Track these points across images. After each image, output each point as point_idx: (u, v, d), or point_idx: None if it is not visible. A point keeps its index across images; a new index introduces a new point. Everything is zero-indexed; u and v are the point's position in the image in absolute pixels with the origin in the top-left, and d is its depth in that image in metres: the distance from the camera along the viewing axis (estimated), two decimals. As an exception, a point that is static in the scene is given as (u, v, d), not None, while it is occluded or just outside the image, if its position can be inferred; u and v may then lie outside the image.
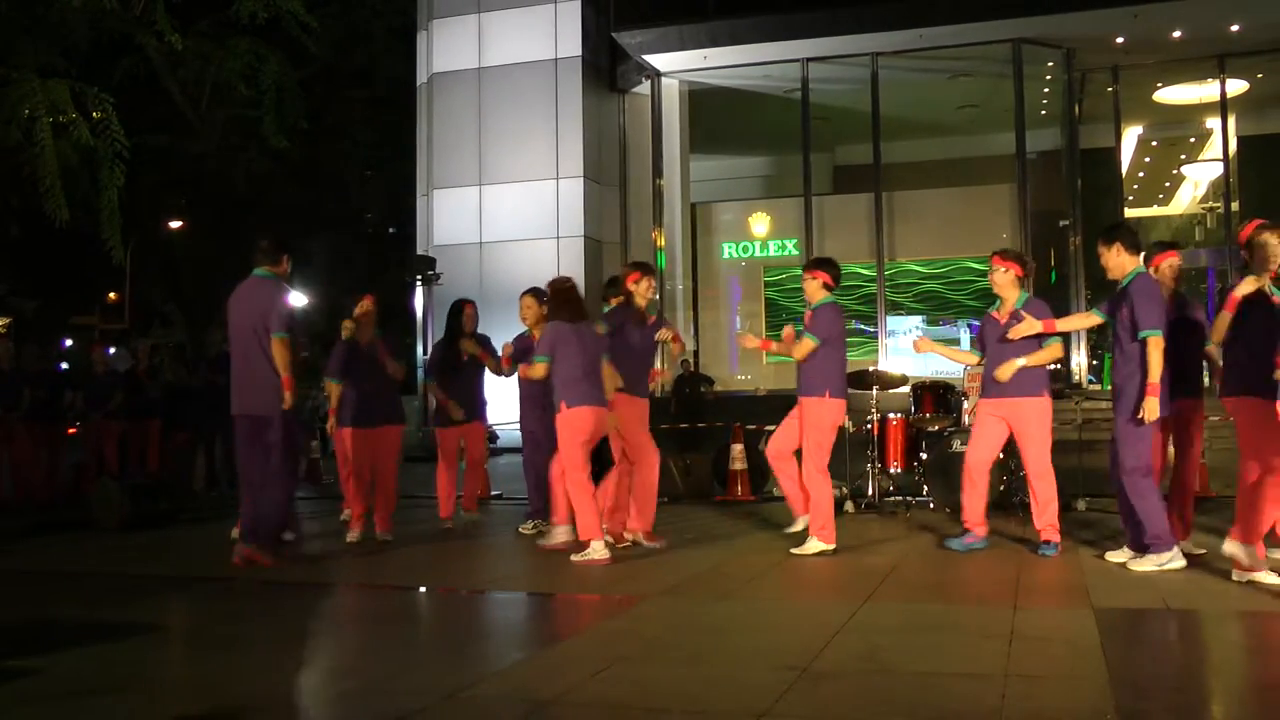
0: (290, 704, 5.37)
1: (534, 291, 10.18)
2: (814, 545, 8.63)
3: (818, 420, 8.77)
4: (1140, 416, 7.53)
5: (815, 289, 9.04)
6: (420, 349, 21.56)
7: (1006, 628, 6.17)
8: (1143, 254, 8.13)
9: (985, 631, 6.17)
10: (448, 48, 22.89)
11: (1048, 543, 8.36)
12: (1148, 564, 7.62)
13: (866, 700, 4.97)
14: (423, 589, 8.12)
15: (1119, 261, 7.94)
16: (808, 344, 8.79)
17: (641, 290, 9.21)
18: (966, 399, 11.47)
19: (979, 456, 8.60)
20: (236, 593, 8.26)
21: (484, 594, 7.99)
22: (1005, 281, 8.60)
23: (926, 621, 6.58)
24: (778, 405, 9.55)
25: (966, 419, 11.26)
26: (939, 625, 6.49)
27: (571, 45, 22.01)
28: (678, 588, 7.56)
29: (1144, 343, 7.56)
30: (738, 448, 12.50)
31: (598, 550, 8.47)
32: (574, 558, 8.58)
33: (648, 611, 6.99)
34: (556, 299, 8.97)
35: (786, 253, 24.50)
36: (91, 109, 19.22)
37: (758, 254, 24.55)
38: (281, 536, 9.51)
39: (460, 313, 10.76)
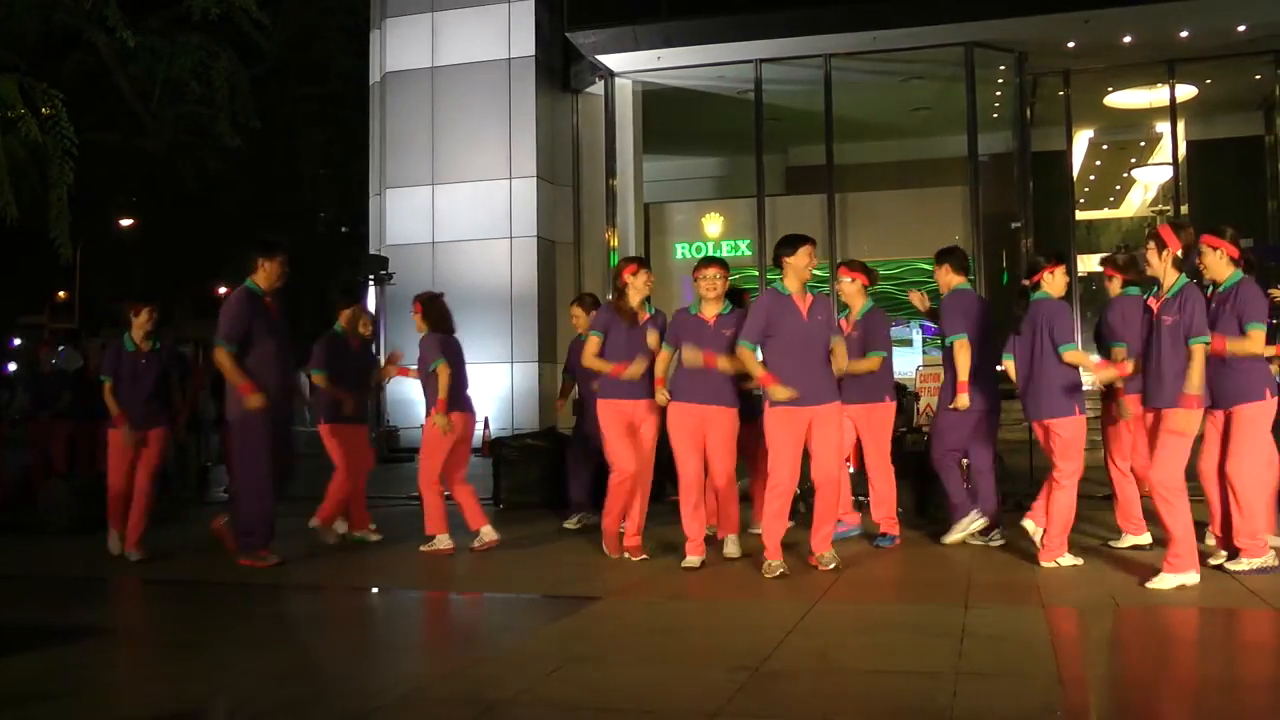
0: (244, 706, 5.33)
1: (580, 301, 10.91)
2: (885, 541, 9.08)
3: (884, 423, 9.19)
4: (953, 407, 8.65)
5: (855, 291, 9.02)
6: (371, 348, 21.43)
7: (958, 626, 6.22)
8: (969, 273, 9.23)
9: (937, 630, 6.22)
10: (401, 47, 22.78)
11: (885, 535, 9.11)
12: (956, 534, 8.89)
13: (819, 699, 5.00)
14: (376, 590, 8.09)
15: (946, 280, 9.05)
16: (876, 360, 9.07)
17: (639, 284, 8.81)
18: (919, 399, 11.53)
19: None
20: (187, 595, 8.22)
21: (438, 595, 7.98)
22: (853, 291, 9.42)
23: (879, 621, 6.62)
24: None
25: (919, 419, 11.39)
26: (891, 624, 6.53)
27: (525, 45, 21.93)
28: (631, 588, 7.58)
29: (952, 346, 8.69)
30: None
31: (443, 542, 9.34)
32: (422, 548, 9.38)
33: (601, 612, 7.01)
34: (432, 310, 9.61)
35: (739, 253, 24.48)
36: (40, 105, 19.09)
37: (711, 254, 24.42)
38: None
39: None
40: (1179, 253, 7.28)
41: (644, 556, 8.61)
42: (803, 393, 7.71)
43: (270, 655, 6.44)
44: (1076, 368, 7.97)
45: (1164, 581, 7.11)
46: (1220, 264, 7.63)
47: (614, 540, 8.77)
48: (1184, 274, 7.28)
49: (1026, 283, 8.39)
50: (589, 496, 10.62)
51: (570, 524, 10.64)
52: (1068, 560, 7.94)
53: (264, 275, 8.98)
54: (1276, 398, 7.48)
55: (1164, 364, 7.20)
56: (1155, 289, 7.41)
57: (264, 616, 7.56)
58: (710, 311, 8.41)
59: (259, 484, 8.83)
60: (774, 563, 7.83)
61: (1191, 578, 7.11)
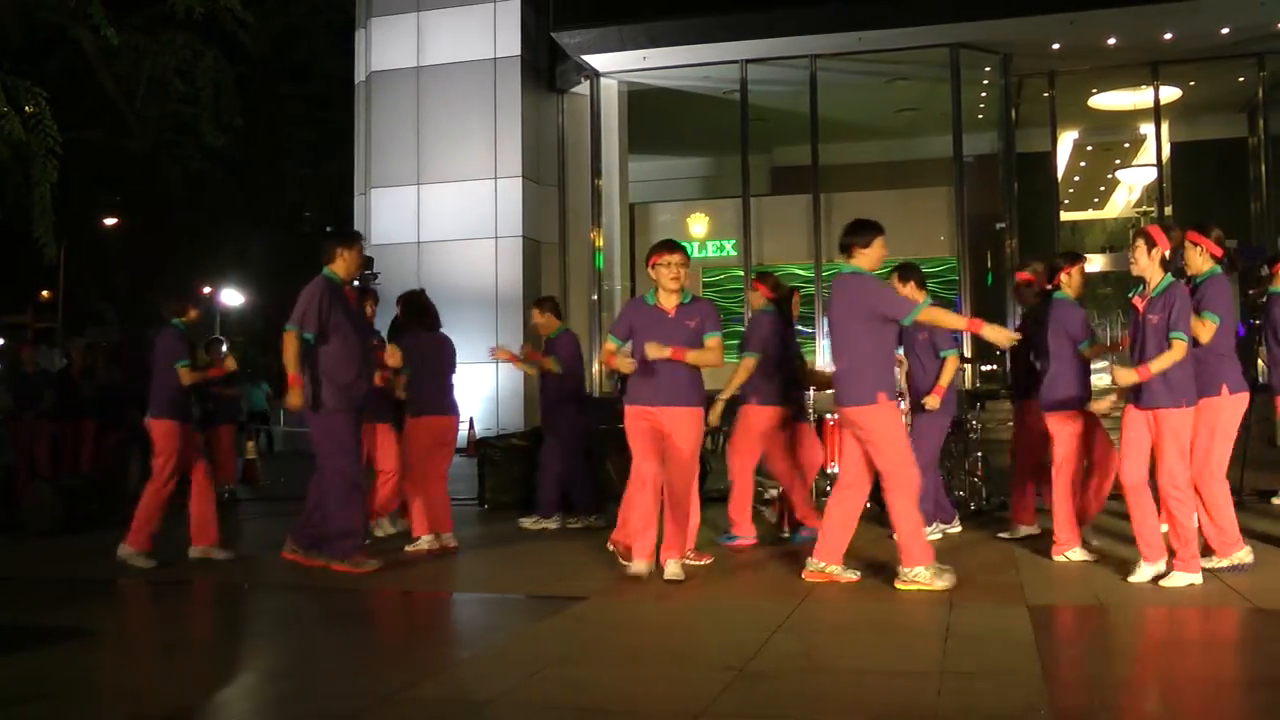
0: (227, 708, 5.33)
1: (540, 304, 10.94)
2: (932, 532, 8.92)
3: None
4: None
5: (912, 292, 9.06)
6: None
7: (942, 626, 6.23)
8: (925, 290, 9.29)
9: (921, 629, 6.23)
10: (386, 46, 22.76)
11: (802, 528, 9.22)
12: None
13: (804, 699, 5.00)
14: (359, 590, 8.08)
15: (913, 295, 8.99)
16: (954, 361, 9.17)
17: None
18: (903, 399, 11.54)
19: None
20: (172, 596, 8.21)
21: (423, 595, 7.96)
22: (759, 302, 9.73)
23: (862, 620, 6.63)
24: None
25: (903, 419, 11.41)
26: (875, 624, 6.54)
27: (510, 45, 21.93)
28: (615, 588, 7.57)
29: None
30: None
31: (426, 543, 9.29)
32: (407, 548, 9.31)
33: (585, 612, 7.00)
34: (406, 307, 9.61)
35: (724, 253, 24.54)
36: (24, 103, 19.00)
37: (696, 255, 24.50)
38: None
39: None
40: (1167, 253, 7.31)
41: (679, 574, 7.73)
42: None
43: (255, 656, 6.43)
44: (1088, 364, 8.24)
45: (1177, 579, 7.14)
46: (1199, 260, 7.76)
47: (625, 551, 8.31)
48: (1170, 273, 7.31)
49: (1049, 285, 8.60)
50: (556, 498, 10.72)
51: (527, 523, 10.71)
52: (1077, 555, 8.07)
53: (343, 264, 8.66)
54: (1236, 395, 7.54)
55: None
56: (1140, 288, 7.44)
57: (248, 617, 7.55)
58: (670, 302, 7.81)
59: (350, 482, 8.53)
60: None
61: (1199, 578, 7.14)
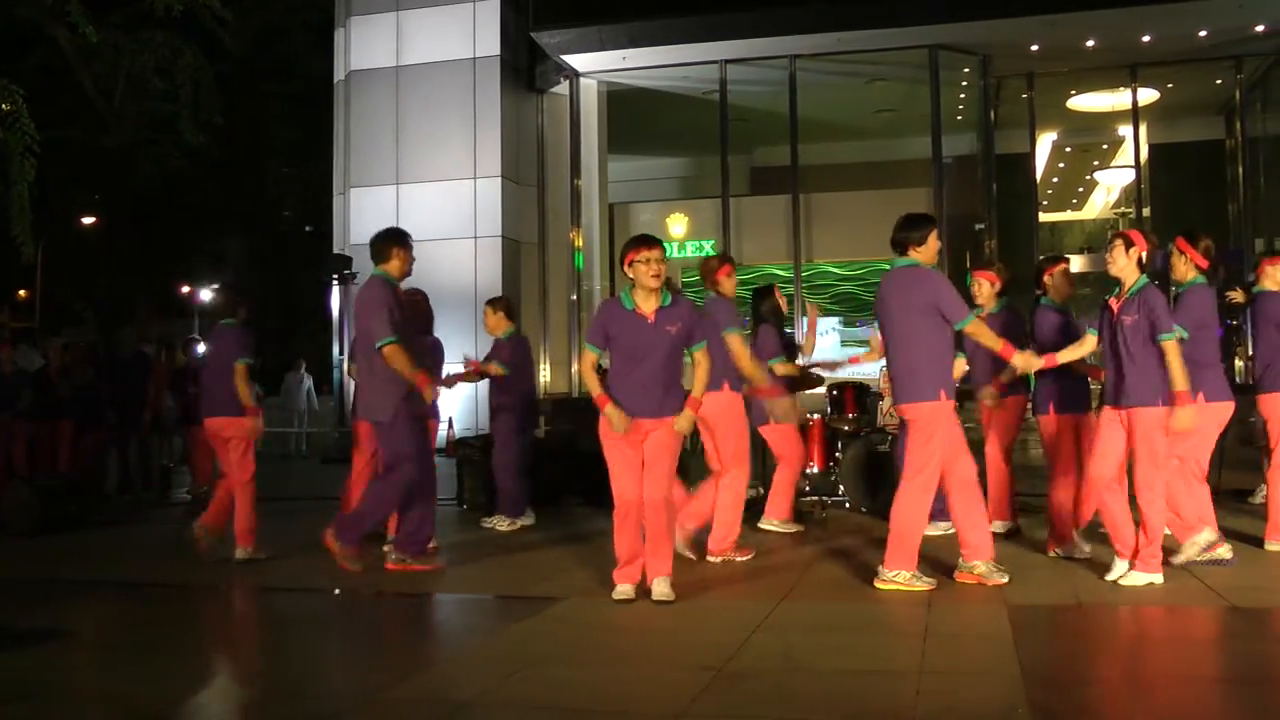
0: (205, 709, 5.33)
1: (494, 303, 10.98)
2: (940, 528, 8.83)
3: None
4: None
5: (989, 293, 9.02)
6: (335, 348, 21.47)
7: (921, 625, 6.25)
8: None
9: (900, 629, 6.26)
10: (366, 45, 22.70)
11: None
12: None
13: (783, 699, 5.02)
14: (338, 591, 8.07)
15: None
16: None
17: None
18: (883, 399, 11.59)
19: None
20: (152, 598, 8.17)
21: (402, 596, 7.95)
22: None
23: (842, 620, 6.65)
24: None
25: (882, 419, 11.48)
26: (854, 624, 6.57)
27: (490, 45, 21.89)
28: (595, 589, 7.56)
29: None
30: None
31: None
32: (385, 548, 8.85)
33: (565, 613, 7.00)
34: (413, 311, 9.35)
35: (704, 253, 24.56)
36: (1, 101, 18.94)
37: (675, 255, 24.48)
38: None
39: None
40: (1144, 254, 7.37)
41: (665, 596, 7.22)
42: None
43: (234, 657, 6.43)
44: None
45: (1135, 579, 7.19)
46: (1183, 268, 7.90)
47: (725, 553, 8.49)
48: (1144, 275, 7.38)
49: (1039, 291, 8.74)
50: (512, 498, 10.78)
51: (500, 525, 10.73)
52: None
53: (398, 264, 8.58)
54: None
55: (1125, 364, 7.27)
56: (1117, 289, 7.49)
57: (226, 619, 7.54)
58: (649, 305, 7.16)
59: (423, 481, 8.52)
60: None
61: (1159, 577, 7.18)
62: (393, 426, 8.32)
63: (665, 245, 7.37)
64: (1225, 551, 7.71)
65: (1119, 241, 7.44)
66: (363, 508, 8.54)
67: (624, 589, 7.21)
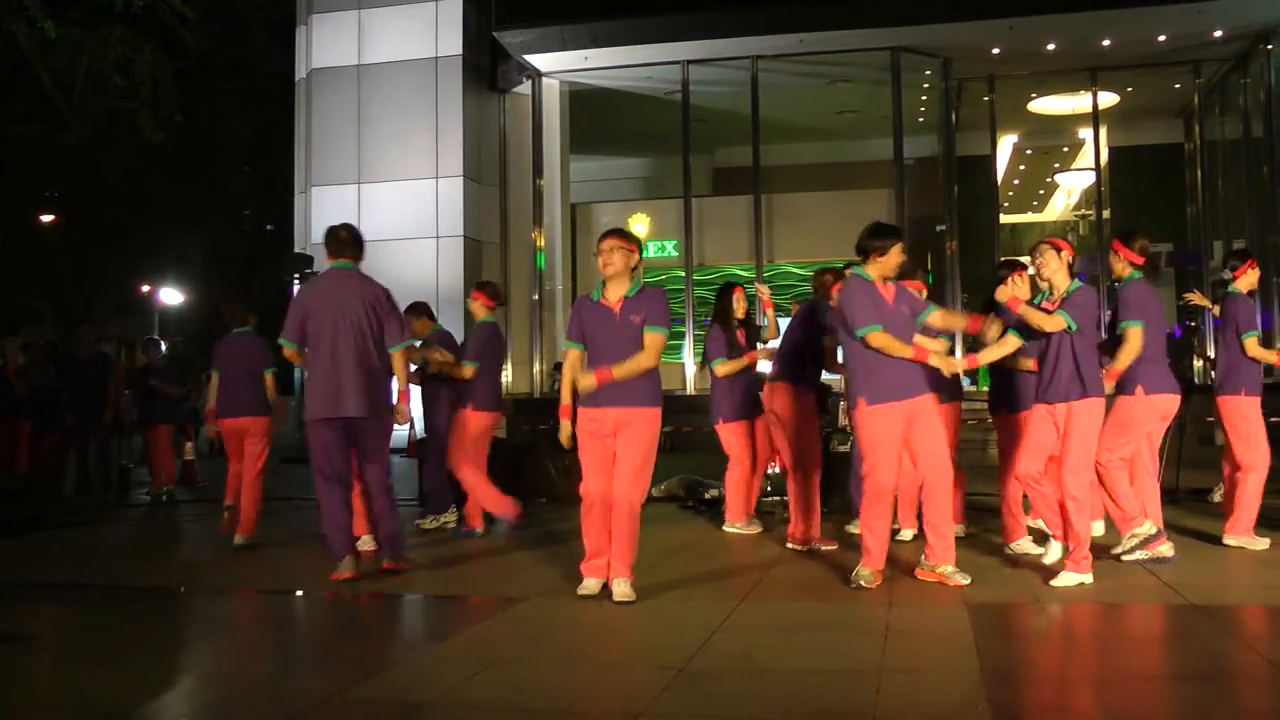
0: (165, 712, 5.28)
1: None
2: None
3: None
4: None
5: (1062, 277, 8.96)
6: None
7: (881, 624, 6.27)
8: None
9: (860, 628, 6.27)
10: (327, 43, 22.64)
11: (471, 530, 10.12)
12: None
13: (743, 698, 5.02)
14: (299, 592, 8.03)
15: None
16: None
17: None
18: (844, 400, 11.61)
19: None
20: (109, 600, 8.10)
21: (362, 597, 7.91)
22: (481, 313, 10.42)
23: (802, 620, 6.66)
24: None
25: (843, 419, 11.51)
26: (815, 623, 6.57)
27: (452, 44, 21.88)
28: (556, 589, 7.55)
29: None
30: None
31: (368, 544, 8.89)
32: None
33: (526, 613, 6.99)
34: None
35: (666, 254, 24.64)
36: (-43, 97, 18.77)
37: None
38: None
39: None
40: (1071, 260, 7.67)
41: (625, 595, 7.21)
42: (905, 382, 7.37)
43: (193, 659, 6.39)
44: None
45: (1065, 579, 7.29)
46: (1120, 266, 8.15)
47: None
48: (1077, 278, 7.67)
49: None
50: (448, 494, 10.81)
51: (425, 523, 10.77)
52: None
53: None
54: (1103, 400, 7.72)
55: (1060, 362, 7.46)
56: (1048, 293, 7.68)
57: (186, 621, 7.49)
58: (615, 294, 7.23)
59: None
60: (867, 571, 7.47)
61: (1089, 577, 7.28)
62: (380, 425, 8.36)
63: (635, 236, 7.42)
64: (1167, 549, 7.84)
65: (1048, 248, 7.67)
66: (387, 520, 8.42)
67: (587, 584, 7.23)
